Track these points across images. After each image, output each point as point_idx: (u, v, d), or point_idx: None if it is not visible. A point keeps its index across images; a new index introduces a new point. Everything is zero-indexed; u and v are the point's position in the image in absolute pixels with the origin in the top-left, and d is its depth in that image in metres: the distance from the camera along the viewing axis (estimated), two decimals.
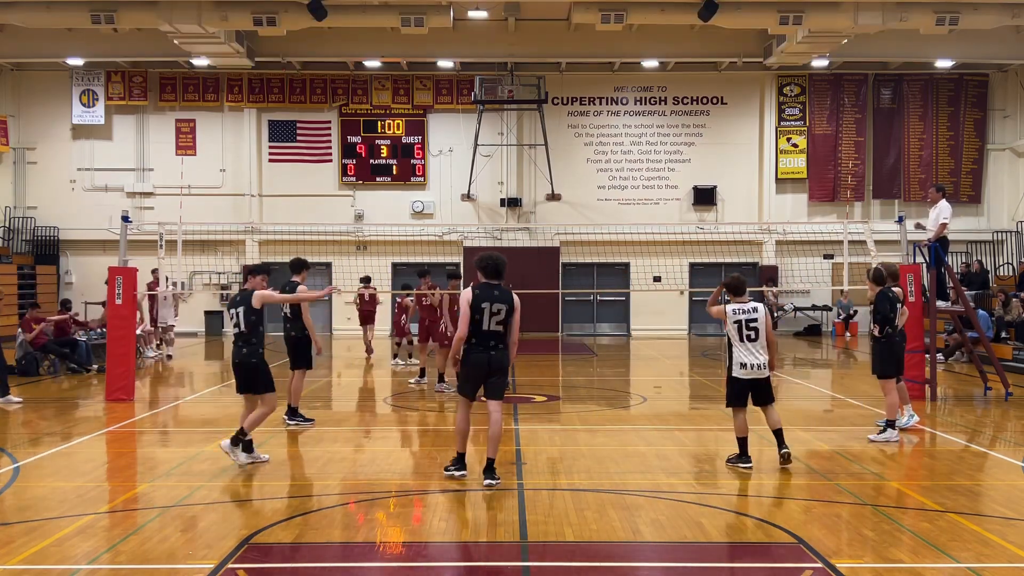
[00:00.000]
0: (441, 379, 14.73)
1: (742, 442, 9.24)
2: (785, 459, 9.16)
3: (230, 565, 6.20)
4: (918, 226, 15.93)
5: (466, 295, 8.50)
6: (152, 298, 20.24)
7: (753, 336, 9.09)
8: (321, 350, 11.81)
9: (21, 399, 14.00)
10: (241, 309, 9.45)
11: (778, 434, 9.27)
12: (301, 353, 11.81)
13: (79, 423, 12.26)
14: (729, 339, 9.26)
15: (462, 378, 8.67)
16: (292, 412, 11.80)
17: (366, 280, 20.60)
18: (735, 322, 9.11)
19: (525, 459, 9.68)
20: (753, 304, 9.21)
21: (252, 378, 9.41)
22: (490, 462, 8.57)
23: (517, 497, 8.07)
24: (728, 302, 9.35)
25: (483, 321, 8.40)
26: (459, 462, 8.80)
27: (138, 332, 18.44)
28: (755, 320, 9.10)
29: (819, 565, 6.20)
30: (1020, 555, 6.48)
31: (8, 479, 8.85)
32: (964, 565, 6.21)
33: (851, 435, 11.04)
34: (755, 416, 10.36)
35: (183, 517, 7.48)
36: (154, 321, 21.45)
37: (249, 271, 10.08)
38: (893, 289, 11.01)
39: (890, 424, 10.71)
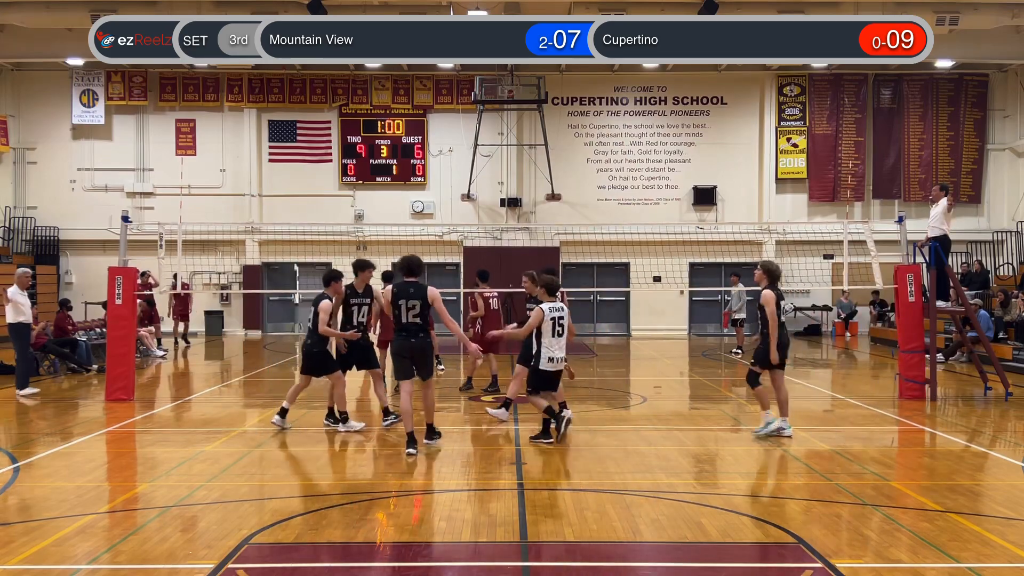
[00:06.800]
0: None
1: (551, 412, 10.31)
2: (565, 424, 10.30)
3: (230, 565, 6.20)
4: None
5: (386, 293, 9.79)
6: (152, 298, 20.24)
7: (561, 332, 10.15)
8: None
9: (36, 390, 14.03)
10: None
11: (562, 405, 10.65)
12: (370, 356, 11.60)
13: (79, 423, 12.26)
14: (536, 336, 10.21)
15: (395, 364, 9.84)
16: (386, 412, 11.64)
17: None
18: (551, 319, 10.03)
19: (525, 459, 9.68)
20: (560, 304, 10.32)
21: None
22: (430, 427, 10.08)
23: (517, 497, 8.06)
24: (541, 302, 10.34)
25: (401, 315, 9.64)
26: (410, 442, 9.75)
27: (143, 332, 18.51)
28: (563, 318, 10.17)
29: (819, 565, 6.19)
30: (1020, 555, 6.48)
31: (8, 479, 8.84)
32: (964, 565, 6.20)
33: (851, 435, 11.05)
34: (755, 414, 10.35)
35: (183, 517, 7.47)
36: (155, 319, 21.52)
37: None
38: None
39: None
